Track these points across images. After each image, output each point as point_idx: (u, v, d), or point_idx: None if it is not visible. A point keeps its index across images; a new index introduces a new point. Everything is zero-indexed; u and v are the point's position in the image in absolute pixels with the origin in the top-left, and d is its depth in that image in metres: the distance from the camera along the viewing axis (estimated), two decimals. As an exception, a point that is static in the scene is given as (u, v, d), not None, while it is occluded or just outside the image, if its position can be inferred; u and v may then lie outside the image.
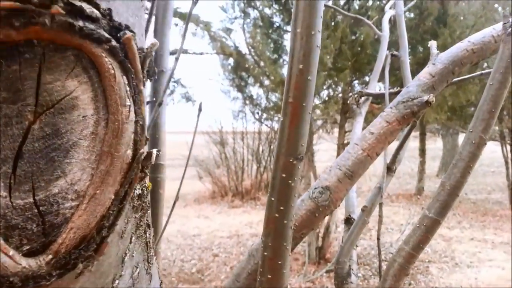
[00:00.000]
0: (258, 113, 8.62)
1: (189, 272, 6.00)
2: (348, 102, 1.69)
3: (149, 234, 0.78)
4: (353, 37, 6.26)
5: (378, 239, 1.18)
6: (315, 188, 1.02)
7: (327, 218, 6.18)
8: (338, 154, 6.82)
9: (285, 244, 0.82)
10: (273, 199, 0.81)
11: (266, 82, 6.26)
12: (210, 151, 12.33)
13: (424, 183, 11.98)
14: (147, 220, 0.77)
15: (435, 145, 23.56)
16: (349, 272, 1.23)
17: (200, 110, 1.22)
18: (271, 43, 6.51)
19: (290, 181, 0.79)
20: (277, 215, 0.80)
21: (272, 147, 12.38)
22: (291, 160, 0.77)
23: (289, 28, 6.85)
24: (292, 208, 0.80)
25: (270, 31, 6.55)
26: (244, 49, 7.08)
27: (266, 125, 10.89)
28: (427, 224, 1.01)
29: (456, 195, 1.00)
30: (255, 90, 7.96)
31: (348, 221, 1.35)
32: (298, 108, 0.75)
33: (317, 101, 6.94)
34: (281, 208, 0.80)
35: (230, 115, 11.52)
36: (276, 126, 11.85)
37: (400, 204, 10.57)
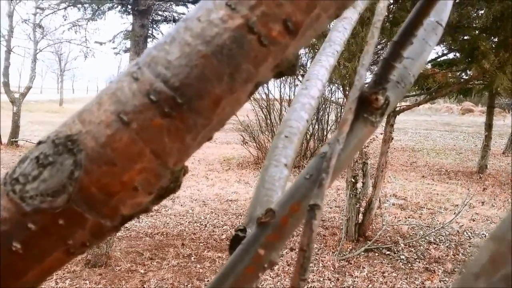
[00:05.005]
0: (303, 75, 8.00)
1: (218, 239, 5.72)
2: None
3: None
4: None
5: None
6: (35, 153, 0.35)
7: (369, 191, 5.54)
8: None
9: None
10: None
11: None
12: (256, 116, 11.95)
13: (488, 160, 10.86)
14: None
15: (504, 122, 21.59)
16: None
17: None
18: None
19: None
20: None
21: (321, 113, 11.78)
22: None
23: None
24: None
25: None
26: None
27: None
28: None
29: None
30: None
31: (235, 242, 0.50)
32: None
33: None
34: None
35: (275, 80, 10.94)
36: (326, 93, 11.20)
37: (458, 181, 9.62)
